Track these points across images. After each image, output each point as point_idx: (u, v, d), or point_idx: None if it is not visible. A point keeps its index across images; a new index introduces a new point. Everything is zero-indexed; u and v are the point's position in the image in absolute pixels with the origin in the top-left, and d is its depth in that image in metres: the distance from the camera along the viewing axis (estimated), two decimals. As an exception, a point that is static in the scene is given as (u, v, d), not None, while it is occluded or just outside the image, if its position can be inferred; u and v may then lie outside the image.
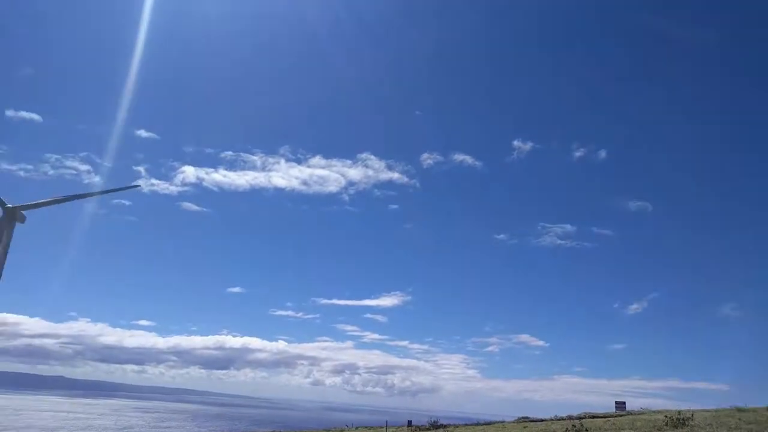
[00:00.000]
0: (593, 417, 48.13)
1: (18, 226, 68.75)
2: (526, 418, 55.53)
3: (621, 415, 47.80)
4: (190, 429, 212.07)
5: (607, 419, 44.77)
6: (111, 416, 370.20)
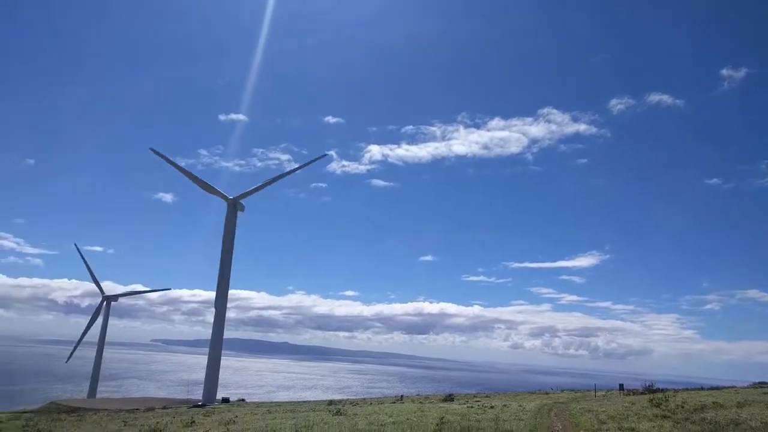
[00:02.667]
0: None
1: (239, 215, 79.88)
2: (765, 383, 49.04)
3: None
4: (399, 389, 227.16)
5: None
6: (331, 377, 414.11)
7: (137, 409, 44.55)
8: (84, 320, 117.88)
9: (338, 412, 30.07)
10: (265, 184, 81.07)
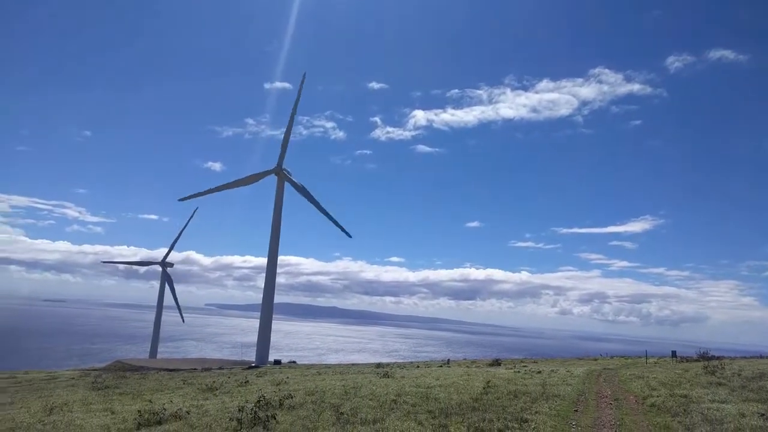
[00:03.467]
0: None
1: (286, 183, 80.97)
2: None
3: None
4: (445, 354, 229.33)
5: None
6: (378, 341, 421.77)
7: (195, 369, 46.70)
8: (143, 285, 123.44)
9: (386, 375, 30.66)
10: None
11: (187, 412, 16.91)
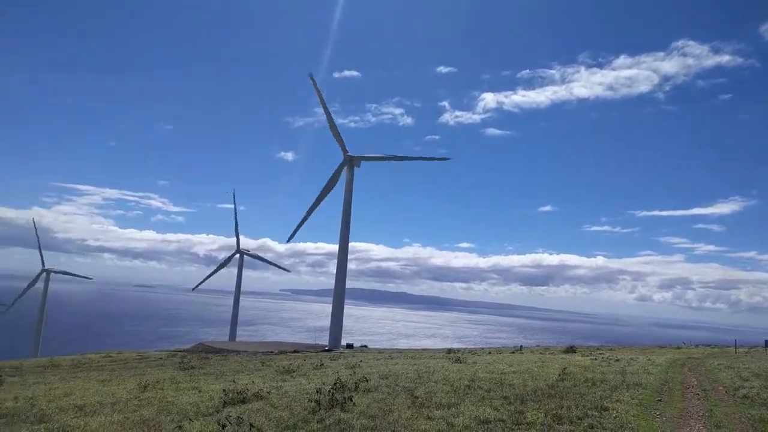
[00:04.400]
0: None
1: (356, 171, 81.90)
2: None
3: None
4: (517, 340, 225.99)
5: None
6: (449, 327, 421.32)
7: (271, 352, 48.52)
8: (221, 271, 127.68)
9: (458, 360, 30.63)
10: (386, 157, 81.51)
11: (268, 393, 17.65)
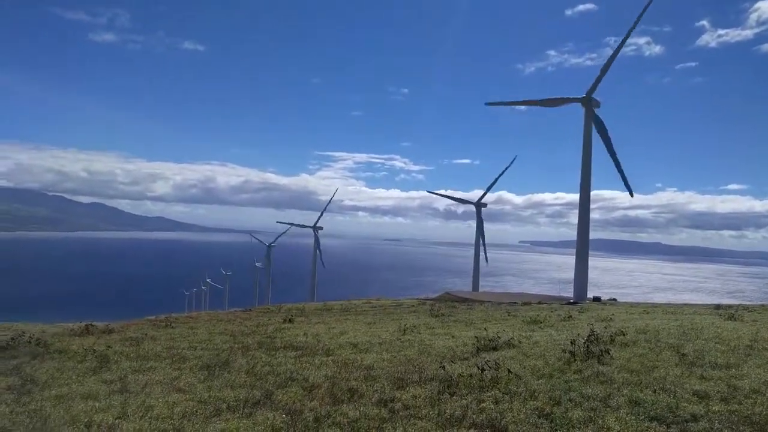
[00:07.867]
0: None
1: (597, 111, 75.85)
2: None
3: None
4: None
5: None
6: (716, 280, 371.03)
7: (515, 303, 48.92)
8: (461, 225, 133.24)
9: (731, 317, 26.78)
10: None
11: (519, 342, 17.91)
